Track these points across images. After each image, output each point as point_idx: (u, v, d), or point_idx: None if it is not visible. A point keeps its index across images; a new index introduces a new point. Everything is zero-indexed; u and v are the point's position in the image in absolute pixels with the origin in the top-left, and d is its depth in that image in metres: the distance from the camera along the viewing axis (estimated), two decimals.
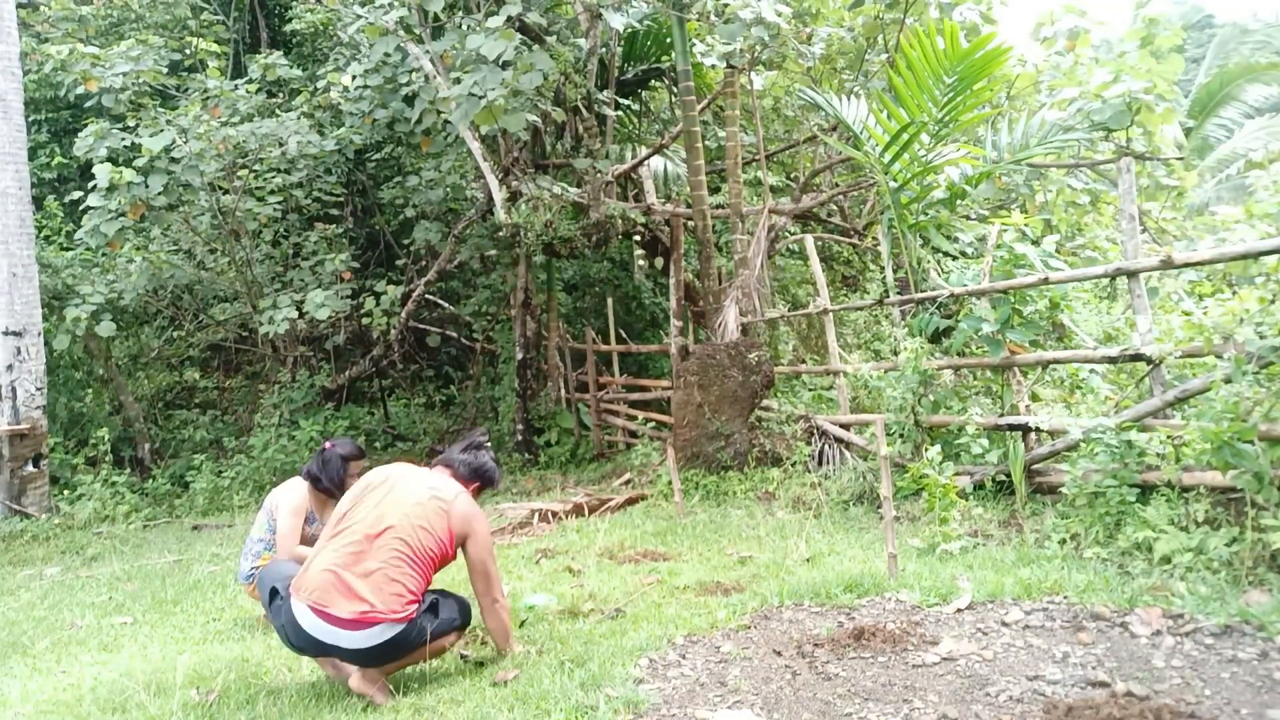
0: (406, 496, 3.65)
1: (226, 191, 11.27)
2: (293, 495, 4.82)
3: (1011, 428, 5.90)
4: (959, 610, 3.97)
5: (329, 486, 4.82)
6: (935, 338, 7.49)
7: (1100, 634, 3.59)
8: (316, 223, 12.56)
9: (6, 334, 9.24)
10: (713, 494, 7.43)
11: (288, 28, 14.06)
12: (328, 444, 4.97)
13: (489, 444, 4.11)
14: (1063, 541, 4.79)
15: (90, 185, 10.29)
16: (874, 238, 10.92)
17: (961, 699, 3.15)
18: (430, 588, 3.68)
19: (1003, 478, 5.88)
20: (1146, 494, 4.80)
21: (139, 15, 13.49)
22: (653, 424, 10.44)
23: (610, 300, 11.94)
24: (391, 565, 3.46)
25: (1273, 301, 4.60)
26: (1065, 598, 3.97)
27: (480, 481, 4.00)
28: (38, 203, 11.87)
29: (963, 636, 3.69)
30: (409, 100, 10.76)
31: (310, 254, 12.12)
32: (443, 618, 3.60)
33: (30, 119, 12.37)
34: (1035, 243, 7.00)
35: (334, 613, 3.38)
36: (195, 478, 10.51)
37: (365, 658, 3.48)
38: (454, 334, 14.07)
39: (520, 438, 12.00)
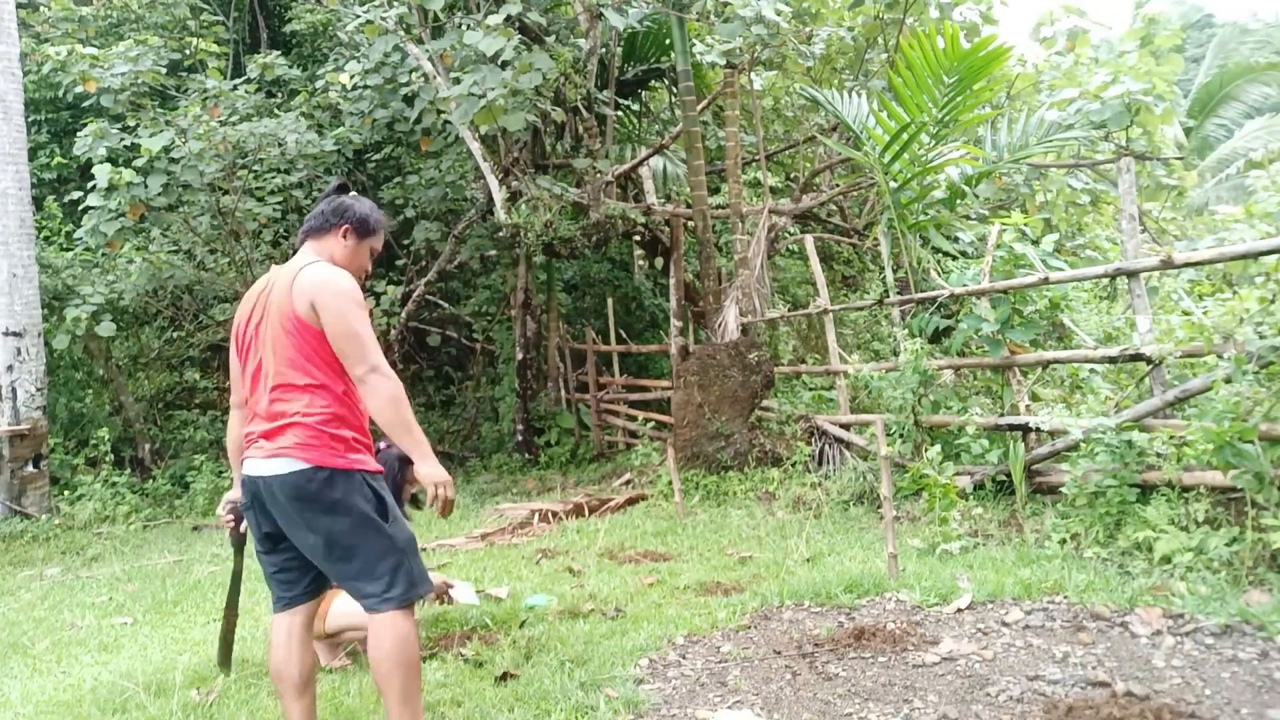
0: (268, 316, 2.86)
1: (226, 192, 11.26)
2: None
3: (1011, 428, 5.90)
4: (959, 610, 3.97)
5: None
6: (935, 338, 7.49)
7: (1100, 634, 3.59)
8: None
9: (7, 334, 9.24)
10: (713, 494, 7.43)
11: (287, 28, 14.06)
12: (383, 444, 4.17)
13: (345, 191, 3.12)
14: (1063, 541, 4.79)
15: (90, 185, 10.28)
16: (874, 238, 10.92)
17: (961, 699, 3.15)
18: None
19: (1003, 478, 5.88)
20: (1147, 494, 4.80)
21: (138, 16, 13.49)
22: (653, 424, 10.44)
23: (610, 300, 11.94)
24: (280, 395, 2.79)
25: (1273, 301, 4.60)
26: (1065, 598, 3.97)
27: (347, 223, 2.97)
28: (38, 203, 11.87)
29: (963, 636, 3.69)
30: (409, 100, 10.76)
31: None
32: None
33: (30, 119, 12.36)
34: (1035, 243, 7.00)
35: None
36: (195, 478, 10.50)
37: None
38: (454, 334, 14.07)
39: (520, 438, 12.01)
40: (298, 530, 2.74)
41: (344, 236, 2.95)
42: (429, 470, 2.74)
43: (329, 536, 2.70)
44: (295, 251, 3.01)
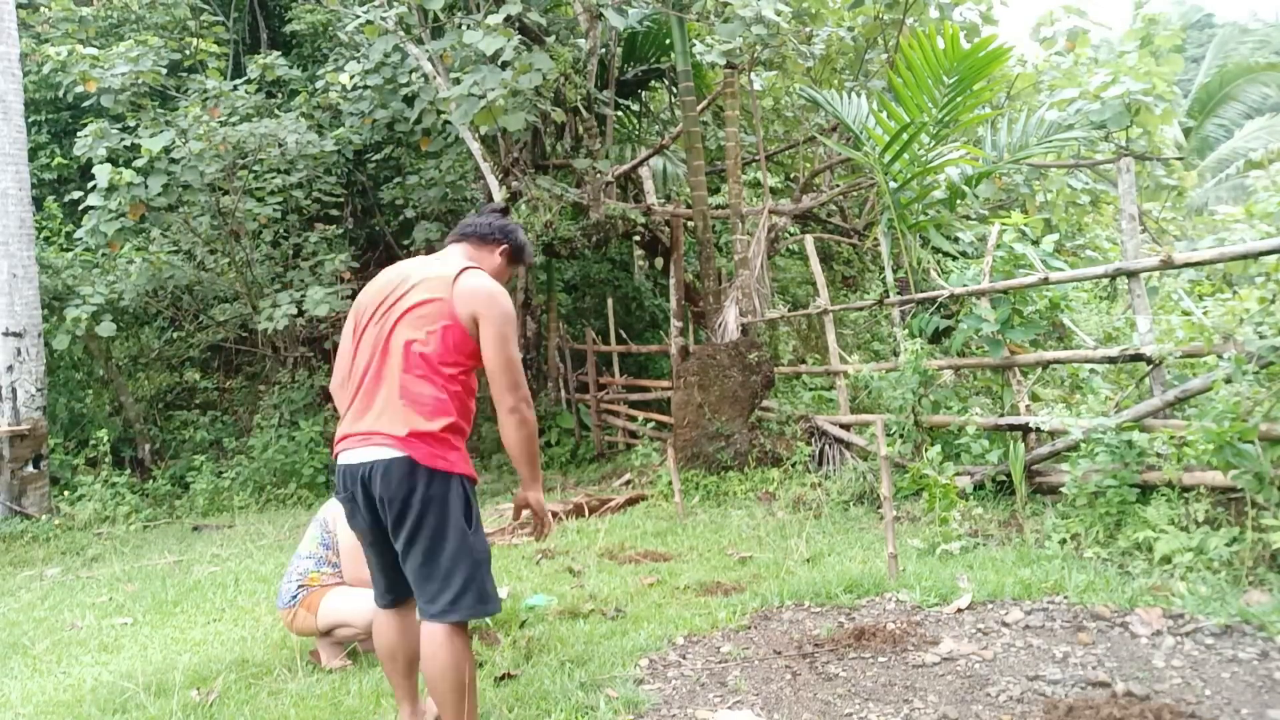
0: (409, 294, 2.91)
1: (226, 192, 11.27)
2: None
3: (1011, 428, 5.90)
4: (959, 610, 3.97)
5: None
6: (935, 338, 7.49)
7: (1100, 634, 3.59)
8: (316, 223, 12.56)
9: (7, 335, 9.24)
10: (713, 494, 7.43)
11: (287, 28, 14.07)
12: None
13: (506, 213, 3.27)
14: (1063, 541, 4.79)
15: (90, 186, 10.29)
16: (874, 238, 10.92)
17: (961, 699, 3.16)
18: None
19: (1003, 478, 5.88)
20: (1147, 494, 4.80)
21: (139, 16, 13.48)
22: (653, 424, 10.44)
23: (610, 300, 11.94)
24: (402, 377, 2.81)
25: (1273, 301, 4.60)
26: (1065, 598, 3.97)
27: (509, 244, 3.15)
28: (38, 203, 11.87)
29: (963, 636, 3.69)
30: (409, 100, 10.77)
31: (310, 254, 12.13)
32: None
33: (30, 120, 12.36)
34: (1035, 243, 7.00)
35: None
36: (195, 478, 10.50)
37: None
38: None
39: None
40: (393, 518, 2.74)
41: (501, 255, 3.12)
42: (538, 497, 2.99)
43: (415, 530, 2.73)
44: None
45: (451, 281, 2.83)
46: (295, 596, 4.03)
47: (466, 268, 2.90)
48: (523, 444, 2.87)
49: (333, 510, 4.10)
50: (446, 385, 2.80)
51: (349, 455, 2.80)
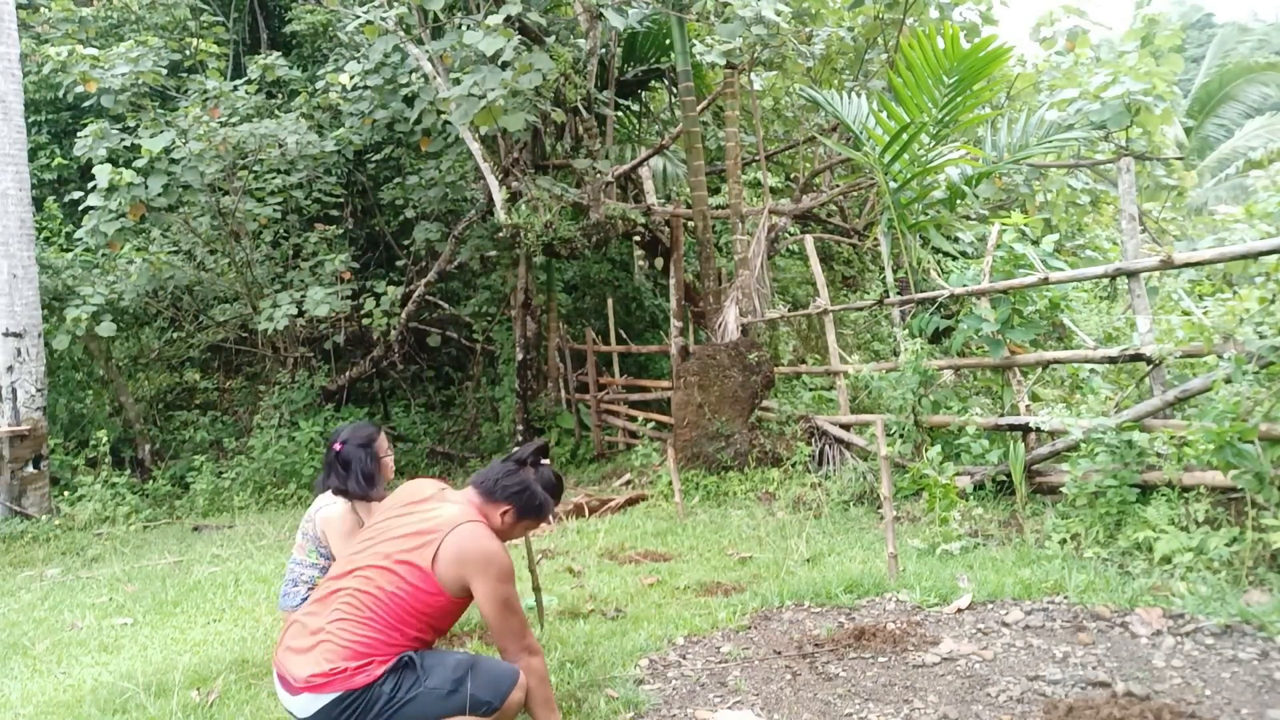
0: (394, 530, 2.93)
1: (226, 192, 11.28)
2: (338, 517, 3.81)
3: (1012, 428, 5.90)
4: (959, 610, 3.98)
5: (360, 490, 3.82)
6: (935, 338, 7.50)
7: (1100, 634, 3.60)
8: (316, 224, 12.56)
9: (7, 335, 9.24)
10: (713, 494, 7.43)
11: (288, 29, 14.07)
12: (336, 445, 3.87)
13: (542, 456, 3.19)
14: (1063, 541, 4.79)
15: (90, 186, 10.29)
16: (874, 238, 10.92)
17: (962, 699, 3.16)
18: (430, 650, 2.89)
19: (1003, 478, 5.88)
20: (1147, 494, 4.81)
21: (139, 16, 13.49)
22: (653, 424, 10.44)
23: (610, 301, 11.94)
24: (340, 622, 2.75)
25: (1273, 301, 4.60)
26: (1065, 598, 3.97)
27: (512, 504, 3.05)
28: (37, 204, 11.87)
29: (963, 636, 3.69)
30: (409, 100, 10.77)
31: (310, 255, 12.13)
32: (430, 686, 2.70)
33: (30, 120, 12.36)
34: (1035, 243, 7.01)
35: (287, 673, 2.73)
36: (195, 479, 10.50)
37: None
38: (454, 335, 14.08)
39: (520, 438, 12.01)
40: None
41: (503, 516, 3.03)
42: None
43: None
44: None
45: (442, 535, 2.85)
46: (305, 599, 3.82)
47: (463, 523, 2.89)
48: (536, 689, 2.87)
49: (318, 518, 3.88)
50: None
51: None
